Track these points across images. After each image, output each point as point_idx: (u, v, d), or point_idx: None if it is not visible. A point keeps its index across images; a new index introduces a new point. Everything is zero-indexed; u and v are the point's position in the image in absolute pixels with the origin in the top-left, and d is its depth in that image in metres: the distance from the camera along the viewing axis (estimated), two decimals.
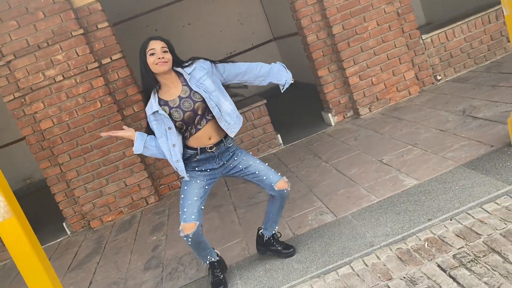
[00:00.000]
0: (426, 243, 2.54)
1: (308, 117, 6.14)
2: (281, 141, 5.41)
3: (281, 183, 2.71)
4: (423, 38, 5.41)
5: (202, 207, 2.73)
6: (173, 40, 8.90)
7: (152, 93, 2.54)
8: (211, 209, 4.28)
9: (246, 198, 4.20)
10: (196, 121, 2.55)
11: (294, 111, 6.96)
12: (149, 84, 2.54)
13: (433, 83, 5.52)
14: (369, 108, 5.32)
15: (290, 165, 4.62)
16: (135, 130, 2.70)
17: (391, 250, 2.60)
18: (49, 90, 4.72)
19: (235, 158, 2.72)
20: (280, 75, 2.83)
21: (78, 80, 4.75)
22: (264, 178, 2.72)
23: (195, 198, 2.67)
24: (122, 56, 4.93)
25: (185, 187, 2.70)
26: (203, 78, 2.56)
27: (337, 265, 2.66)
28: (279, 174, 2.76)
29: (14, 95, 4.78)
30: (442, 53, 5.49)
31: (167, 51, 2.49)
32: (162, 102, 2.53)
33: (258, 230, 3.03)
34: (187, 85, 2.55)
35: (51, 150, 4.91)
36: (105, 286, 3.54)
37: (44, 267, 2.62)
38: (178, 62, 2.59)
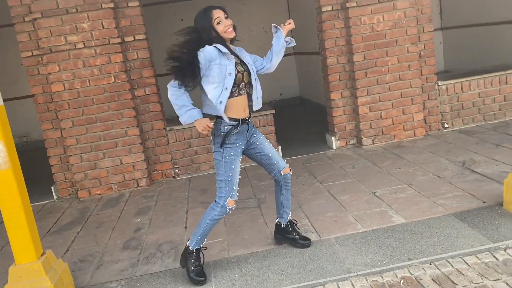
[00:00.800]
0: (402, 281, 2.58)
1: (311, 136, 6.20)
2: (280, 153, 5.46)
3: (286, 169, 3.04)
4: (439, 84, 5.49)
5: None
6: None
7: (216, 44, 2.72)
8: (199, 204, 4.31)
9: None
10: (240, 85, 2.79)
11: (299, 128, 7.02)
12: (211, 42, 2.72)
13: (439, 130, 5.59)
14: (372, 140, 5.38)
15: None
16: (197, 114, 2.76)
17: (366, 280, 2.63)
18: (68, 55, 4.77)
19: (255, 135, 2.96)
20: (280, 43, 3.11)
21: (97, 51, 4.80)
22: (275, 162, 3.00)
23: (239, 177, 2.90)
24: (145, 38, 4.99)
25: (233, 166, 2.83)
26: (244, 54, 2.91)
27: (311, 284, 2.69)
28: (286, 162, 3.06)
29: (32, 52, 4.83)
30: (454, 103, 5.57)
31: (228, 17, 2.76)
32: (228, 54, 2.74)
33: (276, 220, 3.21)
34: (235, 55, 2.83)
35: (56, 113, 4.95)
36: (81, 255, 3.56)
37: (28, 224, 2.66)
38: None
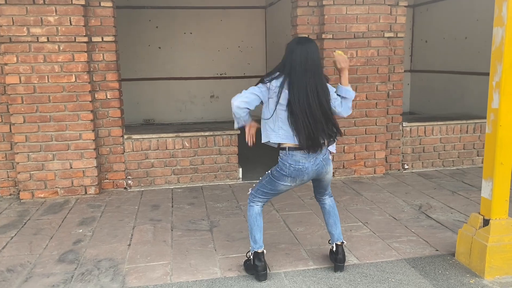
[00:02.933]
0: None
1: (275, 162, 6.08)
2: (240, 175, 5.33)
3: None
4: (404, 125, 5.55)
5: None
6: (170, 43, 8.82)
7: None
8: (148, 221, 4.10)
9: (187, 222, 4.05)
10: None
11: (264, 152, 6.89)
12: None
13: (399, 170, 5.63)
14: (333, 173, 5.34)
15: (242, 202, 4.53)
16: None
17: None
18: (28, 47, 4.50)
19: None
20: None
21: (61, 48, 4.56)
22: None
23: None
24: (114, 40, 4.79)
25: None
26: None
27: None
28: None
29: None
30: (416, 145, 5.64)
31: None
32: None
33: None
34: None
35: (8, 106, 4.65)
36: (10, 264, 3.26)
37: None
38: None
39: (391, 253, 3.35)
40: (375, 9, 5.09)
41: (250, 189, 3.11)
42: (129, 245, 3.59)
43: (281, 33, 7.98)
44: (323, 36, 5.03)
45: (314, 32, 5.15)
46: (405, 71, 8.76)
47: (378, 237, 3.63)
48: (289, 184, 2.88)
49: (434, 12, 8.55)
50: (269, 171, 2.99)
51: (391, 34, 5.23)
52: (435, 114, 6.54)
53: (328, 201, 3.16)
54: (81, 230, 3.90)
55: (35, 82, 4.56)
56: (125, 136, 5.01)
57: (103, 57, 4.79)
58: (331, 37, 5.04)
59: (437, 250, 3.38)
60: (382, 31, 5.16)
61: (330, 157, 2.99)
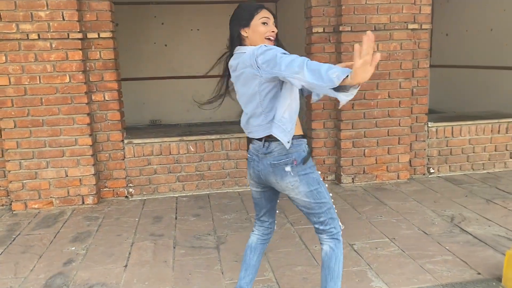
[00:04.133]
0: None
1: None
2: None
3: None
4: (429, 125, 5.06)
5: None
6: (177, 40, 8.33)
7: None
8: (148, 236, 3.69)
9: (192, 237, 3.63)
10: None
11: None
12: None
13: (424, 174, 5.15)
14: (352, 178, 4.89)
15: (251, 213, 4.10)
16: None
17: None
18: (18, 45, 4.12)
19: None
20: None
21: (54, 46, 4.17)
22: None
23: None
24: (112, 37, 4.39)
25: (321, 188, 2.19)
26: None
27: None
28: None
29: None
30: (442, 147, 5.15)
31: (275, 26, 2.21)
32: None
33: None
34: None
35: None
36: None
37: None
38: (277, 40, 2.25)
39: (425, 277, 2.89)
40: None
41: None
42: (126, 266, 3.18)
43: (293, 27, 7.51)
44: (341, 28, 4.57)
45: (331, 24, 4.69)
46: None
47: (409, 257, 3.17)
48: None
49: (455, 3, 8.01)
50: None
51: (415, 26, 4.74)
52: (462, 113, 6.03)
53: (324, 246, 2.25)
54: (73, 248, 3.51)
55: (26, 83, 4.18)
56: (126, 141, 4.61)
57: (100, 55, 4.39)
58: (349, 30, 4.57)
59: (479, 274, 2.91)
60: (405, 22, 4.68)
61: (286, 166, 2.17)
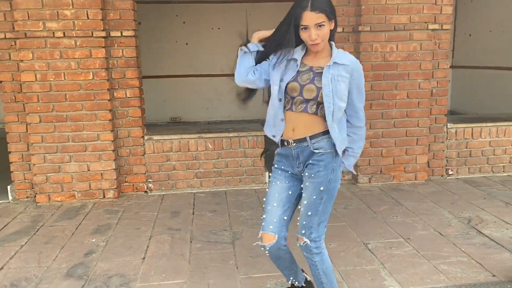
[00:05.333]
0: None
1: None
2: (267, 180, 4.94)
3: (299, 238, 2.27)
4: (448, 126, 5.02)
5: (285, 218, 2.25)
6: (197, 38, 8.42)
7: (301, 46, 2.19)
8: (166, 230, 3.77)
9: (208, 232, 3.71)
10: (295, 99, 2.14)
11: None
12: (290, 44, 2.14)
13: (442, 176, 5.11)
14: (369, 178, 4.89)
15: None
16: None
17: None
18: (44, 43, 4.26)
19: (308, 172, 2.19)
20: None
21: (78, 43, 4.30)
22: (298, 218, 2.26)
23: (275, 204, 2.24)
24: (134, 35, 4.49)
25: (267, 189, 2.32)
26: (340, 78, 2.11)
27: None
28: (304, 231, 2.23)
29: (5, 35, 4.31)
30: (462, 149, 5.10)
31: (323, 25, 2.05)
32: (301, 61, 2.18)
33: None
34: (326, 67, 2.11)
35: (24, 105, 4.42)
36: (15, 278, 3.00)
37: None
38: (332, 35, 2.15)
39: (439, 277, 2.90)
40: None
41: (305, 237, 2.23)
42: (144, 258, 3.27)
43: None
44: (360, 28, 4.57)
45: (350, 24, 4.70)
46: None
47: (423, 257, 3.18)
48: None
49: (479, 3, 7.90)
50: (330, 186, 2.19)
51: (436, 26, 4.71)
52: (483, 114, 5.95)
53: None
54: (94, 240, 3.62)
55: (51, 79, 4.32)
56: (146, 137, 4.72)
57: (123, 53, 4.50)
58: (369, 30, 4.58)
59: (494, 276, 2.90)
60: (425, 22, 4.65)
61: None
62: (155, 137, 4.73)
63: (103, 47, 4.34)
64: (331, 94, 2.09)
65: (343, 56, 2.15)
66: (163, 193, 4.77)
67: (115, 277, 3.00)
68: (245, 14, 8.61)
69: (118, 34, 4.44)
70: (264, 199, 2.32)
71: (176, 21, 8.69)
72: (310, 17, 2.03)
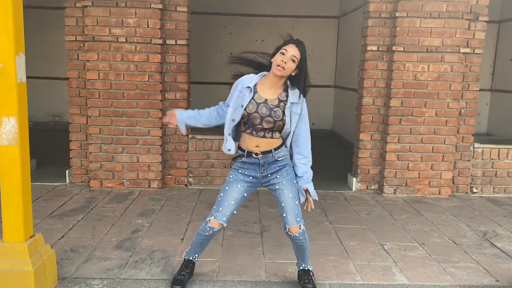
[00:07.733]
0: None
1: (333, 172, 6.04)
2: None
3: (293, 228, 2.73)
4: (475, 146, 5.24)
5: (235, 212, 2.80)
6: (242, 49, 8.90)
7: (258, 75, 2.74)
8: (203, 218, 4.20)
9: (240, 223, 4.12)
10: (256, 128, 2.66)
11: (322, 160, 6.85)
12: (262, 68, 2.77)
13: (466, 193, 5.32)
14: (394, 190, 5.17)
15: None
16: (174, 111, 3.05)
17: None
18: (108, 46, 4.84)
19: (278, 176, 2.74)
20: (303, 170, 2.80)
21: (137, 48, 4.86)
22: (284, 215, 2.76)
23: (232, 202, 2.76)
24: (186, 44, 5.02)
25: (226, 188, 2.79)
26: (294, 106, 2.66)
27: None
28: (298, 219, 2.73)
29: (76, 38, 4.93)
30: (488, 168, 5.30)
31: (294, 61, 2.59)
32: (255, 89, 2.68)
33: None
34: (283, 102, 2.65)
35: (86, 100, 5.01)
36: (74, 245, 3.52)
37: (24, 204, 2.65)
38: (297, 80, 2.67)
39: (445, 277, 3.18)
40: (452, 23, 4.88)
41: (302, 223, 2.76)
42: (182, 239, 3.73)
43: (353, 43, 7.87)
44: (394, 48, 4.90)
45: (385, 44, 5.04)
46: (484, 90, 8.30)
47: (434, 260, 3.46)
48: None
49: None
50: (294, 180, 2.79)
51: (468, 50, 4.98)
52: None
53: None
54: (140, 221, 4.11)
55: (112, 79, 4.89)
56: (190, 136, 5.21)
57: (175, 59, 5.03)
58: (402, 50, 4.90)
59: (498, 281, 3.15)
60: (457, 46, 4.93)
61: None
62: (198, 136, 5.21)
63: (159, 53, 4.88)
64: (289, 126, 2.66)
65: (298, 96, 2.67)
66: (201, 188, 5.23)
67: (157, 252, 3.46)
68: (289, 28, 9.07)
69: (173, 42, 4.97)
70: (222, 194, 2.78)
71: (223, 32, 9.25)
72: (292, 48, 2.59)
